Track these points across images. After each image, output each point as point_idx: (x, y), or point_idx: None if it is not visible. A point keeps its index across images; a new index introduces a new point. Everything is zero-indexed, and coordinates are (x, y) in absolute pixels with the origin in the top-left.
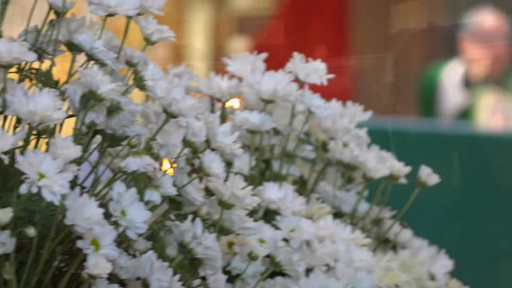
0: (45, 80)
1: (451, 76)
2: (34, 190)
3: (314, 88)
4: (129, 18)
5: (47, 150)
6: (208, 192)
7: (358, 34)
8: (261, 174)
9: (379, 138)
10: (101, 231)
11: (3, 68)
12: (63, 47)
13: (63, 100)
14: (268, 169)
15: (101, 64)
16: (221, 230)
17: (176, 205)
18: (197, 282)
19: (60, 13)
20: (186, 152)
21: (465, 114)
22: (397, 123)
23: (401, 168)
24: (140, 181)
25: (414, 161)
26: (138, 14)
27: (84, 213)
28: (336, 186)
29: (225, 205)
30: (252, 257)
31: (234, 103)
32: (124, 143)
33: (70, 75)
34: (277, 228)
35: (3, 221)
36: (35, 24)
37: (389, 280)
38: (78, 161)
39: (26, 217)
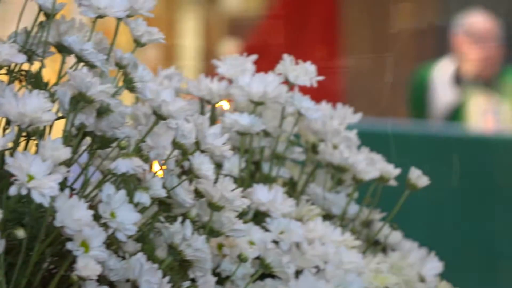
0: (35, 82)
1: (441, 73)
2: (24, 192)
3: (304, 89)
4: (118, 20)
5: (36, 152)
6: (198, 194)
7: (350, 35)
8: (251, 176)
9: (371, 139)
10: (90, 233)
11: None
12: (53, 49)
13: (53, 102)
14: (258, 171)
15: (91, 66)
16: (211, 232)
17: (165, 207)
18: (186, 284)
19: (49, 15)
20: (176, 154)
21: (456, 112)
22: (389, 124)
23: (391, 170)
24: (130, 183)
25: (404, 163)
26: (128, 16)
27: (74, 215)
28: (326, 188)
29: (214, 207)
30: (241, 259)
31: (224, 105)
32: (114, 145)
33: (59, 77)
34: (266, 230)
35: None
36: (25, 26)
37: (378, 282)
38: (67, 163)
39: (16, 219)
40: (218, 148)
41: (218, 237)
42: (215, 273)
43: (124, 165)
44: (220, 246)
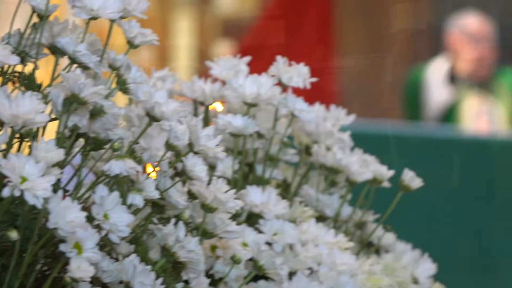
0: (28, 83)
1: (436, 72)
2: (17, 193)
3: (299, 90)
4: (112, 21)
5: (30, 153)
6: (191, 195)
7: (345, 35)
8: (244, 178)
9: (365, 141)
10: (84, 235)
11: None
12: (46, 50)
13: (46, 103)
14: (251, 172)
15: (84, 67)
16: (204, 233)
17: (159, 208)
18: (180, 285)
19: (43, 16)
20: (169, 155)
21: (451, 111)
22: (383, 126)
23: (384, 172)
24: (123, 185)
25: (399, 164)
26: (121, 17)
27: (67, 217)
28: (319, 190)
29: (208, 209)
30: (235, 260)
31: (217, 106)
32: (107, 146)
33: (53, 78)
34: (260, 231)
35: None
36: (18, 28)
37: (372, 283)
38: (61, 165)
39: (9, 221)
40: (211, 149)
41: (211, 239)
42: (208, 274)
43: (117, 166)
44: (213, 248)
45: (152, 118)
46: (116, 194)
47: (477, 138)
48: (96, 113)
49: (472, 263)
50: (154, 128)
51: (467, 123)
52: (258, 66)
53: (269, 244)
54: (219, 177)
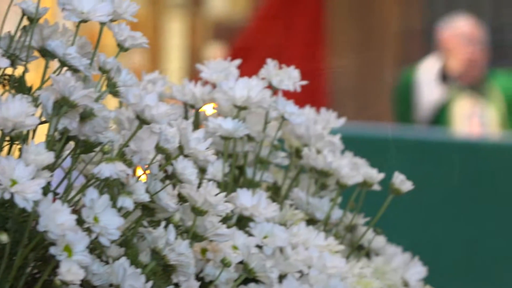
0: (18, 86)
1: (427, 71)
2: (7, 196)
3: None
4: (102, 24)
5: (20, 156)
6: (181, 198)
7: (338, 36)
8: (235, 181)
9: (355, 143)
10: (74, 238)
11: None
12: (36, 53)
13: (36, 106)
14: (242, 175)
15: (74, 70)
16: (194, 236)
17: (149, 211)
18: None
19: (33, 19)
20: (159, 158)
21: (442, 110)
22: (373, 128)
23: (374, 175)
24: (113, 188)
25: (389, 167)
26: (112, 20)
27: (57, 220)
28: (310, 193)
29: (198, 212)
30: (225, 263)
31: (208, 109)
32: (97, 149)
33: (43, 81)
34: (250, 234)
35: None
36: (9, 30)
37: (362, 286)
38: (51, 167)
39: None
40: (202, 152)
41: (202, 242)
42: (198, 277)
43: (108, 169)
44: (203, 251)
45: (142, 121)
46: (106, 197)
47: (468, 141)
48: (86, 116)
49: (463, 266)
50: (144, 131)
51: (459, 126)
52: (250, 67)
53: (259, 247)
54: (209, 180)
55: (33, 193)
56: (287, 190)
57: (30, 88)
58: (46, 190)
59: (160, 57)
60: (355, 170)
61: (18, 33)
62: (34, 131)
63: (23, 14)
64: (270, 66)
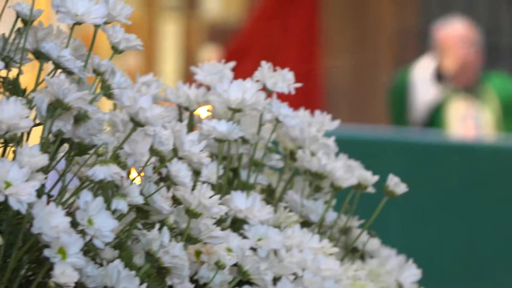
0: (13, 88)
1: (422, 71)
2: (1, 198)
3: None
4: (96, 26)
5: (14, 158)
6: (176, 201)
7: (333, 36)
8: (229, 183)
9: (348, 146)
10: (68, 240)
11: None
12: (30, 56)
13: (31, 108)
14: (236, 178)
15: (69, 72)
16: (189, 239)
17: (143, 214)
18: None
19: (27, 22)
20: (153, 160)
21: (437, 110)
22: (368, 130)
23: (369, 177)
24: (108, 190)
25: (384, 170)
26: (106, 23)
27: (51, 222)
28: (304, 195)
29: (192, 214)
30: (219, 266)
31: (203, 111)
32: (92, 151)
33: (37, 83)
34: (244, 237)
35: None
36: (3, 33)
37: None
38: (45, 170)
39: None
40: (196, 155)
41: (196, 244)
42: (192, 280)
43: (102, 172)
44: (197, 253)
45: (137, 123)
46: (100, 199)
47: (464, 143)
48: (80, 118)
49: (458, 269)
50: (138, 134)
51: (454, 128)
52: (246, 68)
53: (253, 249)
54: (203, 182)
55: (27, 196)
56: (281, 192)
57: (24, 90)
58: (40, 192)
59: (155, 59)
60: (349, 172)
61: (12, 35)
62: (28, 133)
63: (17, 16)
64: (265, 69)
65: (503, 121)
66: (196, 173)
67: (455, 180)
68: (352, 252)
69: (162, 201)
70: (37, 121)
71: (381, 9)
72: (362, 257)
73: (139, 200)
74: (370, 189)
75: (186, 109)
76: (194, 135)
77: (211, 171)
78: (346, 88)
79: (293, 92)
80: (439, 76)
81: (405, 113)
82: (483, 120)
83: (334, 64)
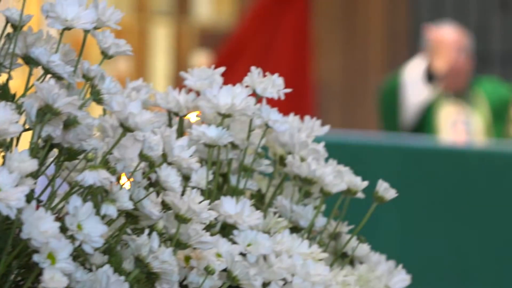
0: (2, 93)
1: (413, 71)
2: None
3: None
4: (86, 31)
5: (3, 163)
6: (165, 206)
7: (323, 39)
8: (219, 188)
9: (338, 151)
10: (57, 245)
11: None
12: (20, 61)
13: (20, 113)
14: (226, 183)
15: (58, 77)
16: (178, 244)
17: (132, 219)
18: None
19: (17, 27)
20: (143, 166)
21: (428, 114)
22: (357, 135)
23: (358, 183)
24: (97, 195)
25: (374, 175)
26: (96, 28)
27: (40, 227)
28: (294, 201)
29: (182, 219)
30: (209, 271)
31: (192, 117)
32: (81, 156)
33: (27, 88)
34: (234, 242)
35: None
36: None
37: None
38: (34, 175)
39: None
40: (185, 160)
41: (185, 249)
42: (182, 285)
43: (91, 177)
44: (187, 258)
45: (126, 128)
46: (89, 204)
47: (454, 148)
48: (70, 123)
49: (447, 274)
50: (128, 139)
51: (444, 133)
52: (238, 70)
53: (243, 254)
54: (193, 187)
55: (16, 201)
56: (271, 197)
57: (14, 95)
58: (29, 197)
59: (146, 64)
60: (339, 178)
61: (2, 40)
62: (18, 138)
63: (7, 21)
64: (254, 74)
65: (493, 126)
66: (186, 178)
67: (446, 186)
68: (341, 258)
69: (151, 206)
70: (27, 126)
71: (371, 10)
72: (352, 263)
73: (129, 205)
74: (360, 195)
75: (176, 114)
76: (184, 141)
77: (201, 176)
78: (337, 87)
79: (282, 97)
80: (430, 77)
81: (396, 117)
82: (474, 125)
83: (324, 65)
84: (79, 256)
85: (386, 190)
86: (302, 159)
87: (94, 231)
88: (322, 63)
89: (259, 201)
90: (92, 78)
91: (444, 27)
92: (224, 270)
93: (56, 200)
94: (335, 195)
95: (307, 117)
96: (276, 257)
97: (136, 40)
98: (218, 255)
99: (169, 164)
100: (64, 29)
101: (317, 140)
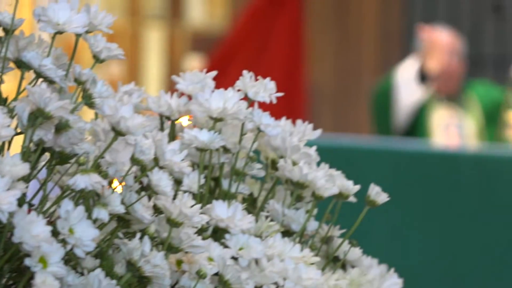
0: None
1: (405, 72)
2: None
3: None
4: (78, 35)
5: None
6: (157, 210)
7: (316, 39)
8: (210, 192)
9: (331, 154)
10: (49, 249)
11: None
12: (12, 65)
13: (12, 117)
14: (217, 187)
15: (50, 81)
16: (170, 248)
17: (124, 223)
18: None
19: (8, 31)
20: (135, 170)
21: (420, 116)
22: (349, 139)
23: (350, 187)
24: (88, 199)
25: (366, 179)
26: (87, 32)
27: (32, 231)
28: (286, 204)
29: (173, 223)
30: (200, 275)
31: (184, 121)
32: (73, 160)
33: (18, 92)
34: (226, 246)
35: None
36: None
37: None
38: (26, 179)
39: None
40: (177, 164)
41: (177, 253)
42: None
43: (83, 181)
44: (179, 262)
45: (118, 132)
46: (81, 208)
47: (447, 152)
48: (61, 127)
49: (439, 278)
50: (119, 143)
51: (437, 136)
52: (232, 73)
53: (234, 258)
54: (184, 191)
55: (8, 204)
56: (262, 201)
57: (5, 99)
58: (21, 201)
59: (138, 68)
60: (331, 182)
61: None
62: (10, 142)
63: None
64: (246, 78)
65: (486, 130)
66: (178, 182)
67: (438, 189)
68: (333, 262)
69: (143, 210)
70: (19, 130)
71: (363, 11)
72: (344, 267)
73: (120, 209)
74: (352, 199)
75: (168, 118)
76: (176, 145)
77: (193, 180)
78: (329, 90)
79: (274, 101)
80: (423, 77)
81: (388, 119)
82: (466, 129)
83: (317, 66)
84: (70, 260)
85: (378, 194)
86: (294, 163)
87: (85, 235)
88: (314, 65)
89: (251, 205)
90: (84, 82)
91: (438, 29)
92: (216, 274)
93: (48, 204)
94: (327, 199)
95: (299, 121)
96: (268, 261)
97: (128, 44)
98: (210, 259)
99: (161, 168)
100: (56, 33)
101: (309, 144)
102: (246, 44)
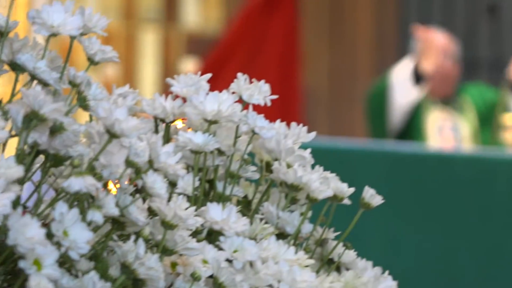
0: None
1: (400, 72)
2: None
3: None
4: (72, 38)
5: None
6: (151, 212)
7: (311, 41)
8: (205, 195)
9: (325, 156)
10: (43, 251)
11: None
12: (6, 67)
13: (6, 120)
14: (212, 189)
15: (44, 84)
16: (164, 250)
17: (119, 225)
18: None
19: (3, 33)
20: (129, 172)
21: (415, 117)
22: (344, 141)
23: (344, 189)
24: (83, 201)
25: (361, 181)
26: (82, 34)
27: (26, 233)
28: (280, 207)
29: (168, 226)
30: (195, 277)
31: (179, 123)
32: (67, 163)
33: (13, 94)
34: (220, 248)
35: None
36: None
37: None
38: (20, 181)
39: None
40: (172, 166)
41: (172, 256)
42: None
43: (77, 183)
44: (173, 265)
45: (112, 135)
46: (75, 211)
47: (441, 154)
48: (56, 129)
49: (435, 280)
50: (114, 145)
51: (431, 139)
52: (227, 75)
53: (229, 261)
54: (179, 194)
55: (2, 207)
56: (257, 204)
57: (0, 102)
58: (15, 203)
59: (133, 70)
60: (325, 184)
61: None
62: (4, 144)
63: None
64: (241, 80)
65: (480, 132)
66: (172, 184)
67: (433, 192)
68: (328, 264)
69: (137, 212)
70: (13, 133)
71: (358, 14)
72: (338, 269)
73: (115, 211)
74: (346, 201)
75: (162, 120)
76: (170, 147)
77: (187, 182)
78: (324, 92)
79: (269, 104)
80: (417, 77)
81: (383, 121)
82: (461, 131)
83: (312, 68)
84: (65, 262)
85: (372, 197)
86: (289, 166)
87: (80, 238)
88: (309, 67)
89: (246, 207)
90: (78, 84)
91: (433, 30)
92: (210, 276)
93: (42, 207)
94: (321, 201)
95: (293, 124)
96: (262, 264)
97: (123, 47)
98: (204, 262)
99: (155, 170)
100: (50, 35)
101: (304, 146)
102: (241, 47)
